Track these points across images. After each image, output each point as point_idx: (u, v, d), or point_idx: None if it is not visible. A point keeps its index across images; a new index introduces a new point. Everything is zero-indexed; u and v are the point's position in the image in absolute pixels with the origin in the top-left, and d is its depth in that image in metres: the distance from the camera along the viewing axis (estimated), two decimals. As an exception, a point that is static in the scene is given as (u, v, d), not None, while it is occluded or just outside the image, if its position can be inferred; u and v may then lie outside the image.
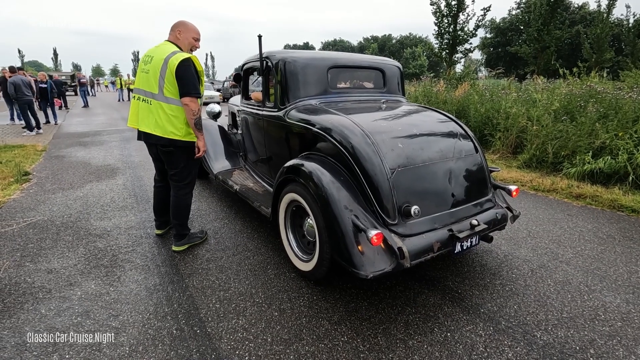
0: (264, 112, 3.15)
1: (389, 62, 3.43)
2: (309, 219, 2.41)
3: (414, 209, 2.08)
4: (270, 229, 3.17)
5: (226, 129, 4.44)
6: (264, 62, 3.04)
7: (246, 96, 3.63)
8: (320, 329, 1.97)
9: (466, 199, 2.40)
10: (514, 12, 42.93)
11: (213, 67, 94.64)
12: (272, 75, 2.98)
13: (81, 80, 19.73)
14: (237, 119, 4.10)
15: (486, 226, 2.27)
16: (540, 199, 4.19)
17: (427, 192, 2.28)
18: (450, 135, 2.61)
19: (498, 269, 2.59)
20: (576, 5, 39.63)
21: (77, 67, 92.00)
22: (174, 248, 2.77)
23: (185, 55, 2.45)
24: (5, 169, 4.99)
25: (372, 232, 1.90)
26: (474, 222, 2.23)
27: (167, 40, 2.60)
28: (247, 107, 3.56)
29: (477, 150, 2.61)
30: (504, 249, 2.90)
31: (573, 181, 4.64)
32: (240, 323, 1.99)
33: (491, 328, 1.97)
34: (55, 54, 77.81)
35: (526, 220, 3.50)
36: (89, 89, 23.91)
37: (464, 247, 2.18)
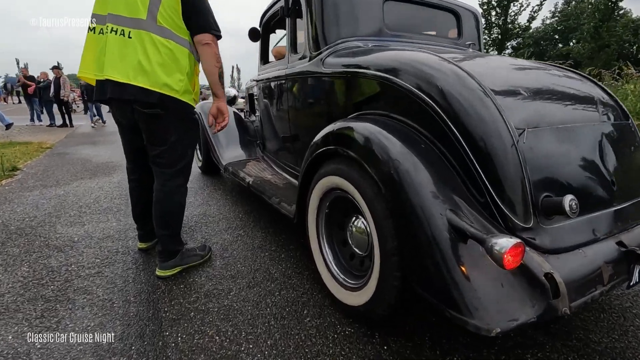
0: (289, 70, 2.22)
1: (467, 7, 2.43)
2: (358, 219, 1.48)
3: (570, 201, 1.12)
4: (307, 246, 2.14)
5: (242, 117, 3.58)
6: None
7: (265, 59, 2.72)
8: None
9: (633, 191, 1.41)
10: (547, 22, 40.94)
11: (239, 79, 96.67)
12: (302, 10, 2.02)
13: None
14: (255, 100, 3.21)
15: None
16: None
17: (576, 175, 1.31)
18: (587, 94, 1.60)
19: None
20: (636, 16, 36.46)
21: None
22: (158, 272, 1.78)
23: None
24: (-10, 164, 4.25)
25: (503, 243, 0.95)
26: None
27: None
28: (266, 73, 2.63)
29: (627, 118, 1.64)
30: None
31: None
32: None
33: None
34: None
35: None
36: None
37: None
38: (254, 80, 3.04)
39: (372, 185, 1.26)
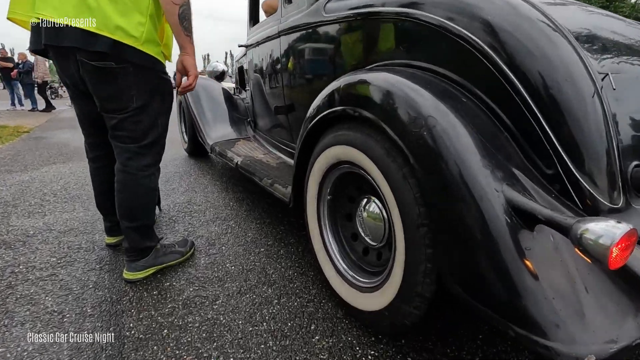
0: (282, 26, 1.86)
1: None
2: (370, 203, 1.16)
3: None
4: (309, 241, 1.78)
5: (232, 94, 3.25)
6: None
7: (255, 19, 2.38)
8: None
9: None
10: None
11: (232, 65, 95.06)
12: None
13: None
14: (245, 72, 2.87)
15: None
16: None
17: None
18: None
19: None
20: None
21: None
22: (126, 275, 1.42)
23: None
24: (-47, 147, 3.82)
25: (608, 231, 0.60)
26: None
27: None
28: (255, 35, 2.29)
29: None
30: None
31: None
32: None
33: None
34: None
35: None
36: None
37: None
38: (242, 46, 2.63)
39: (395, 153, 0.92)
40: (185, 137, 3.50)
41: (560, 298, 0.70)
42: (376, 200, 1.13)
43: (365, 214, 1.17)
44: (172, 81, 1.50)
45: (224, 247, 1.71)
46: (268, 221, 2.01)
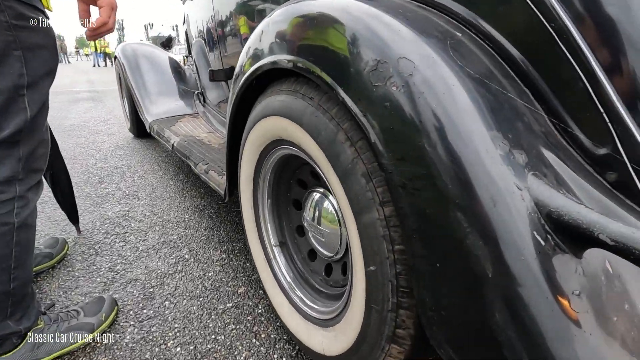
0: None
1: None
2: (326, 200, 0.78)
3: None
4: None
5: (181, 65, 2.82)
6: None
7: None
8: None
9: None
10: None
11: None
12: None
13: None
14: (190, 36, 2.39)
15: None
16: None
17: None
18: None
19: None
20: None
21: (59, 37, 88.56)
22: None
23: None
24: None
25: None
26: None
27: None
28: None
29: None
30: None
31: None
32: None
33: None
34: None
35: None
36: (62, 56, 22.40)
37: None
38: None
39: (348, 125, 0.56)
40: (127, 112, 2.97)
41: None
42: (331, 198, 0.77)
43: (318, 212, 0.79)
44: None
45: (168, 303, 1.09)
46: (239, 247, 1.39)
